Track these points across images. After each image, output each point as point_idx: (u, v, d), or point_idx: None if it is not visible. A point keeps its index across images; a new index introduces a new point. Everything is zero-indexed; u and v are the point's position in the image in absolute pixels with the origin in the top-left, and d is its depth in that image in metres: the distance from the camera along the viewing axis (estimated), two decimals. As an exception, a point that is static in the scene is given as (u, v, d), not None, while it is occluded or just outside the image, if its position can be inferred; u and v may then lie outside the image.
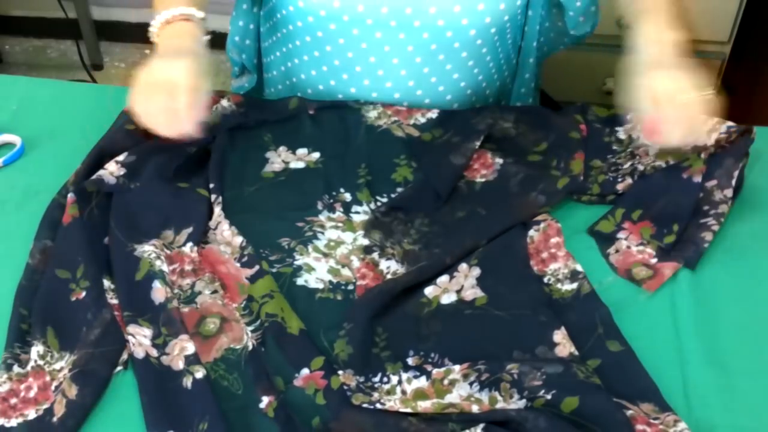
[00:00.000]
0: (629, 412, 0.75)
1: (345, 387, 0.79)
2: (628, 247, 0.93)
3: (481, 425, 0.73)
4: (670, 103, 0.89)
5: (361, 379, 0.80)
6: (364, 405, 0.77)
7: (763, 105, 1.85)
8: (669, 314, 0.86)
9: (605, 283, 0.90)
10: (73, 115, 1.16)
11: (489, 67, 1.15)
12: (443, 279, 0.90)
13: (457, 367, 0.80)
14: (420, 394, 0.78)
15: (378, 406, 0.76)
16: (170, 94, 0.88)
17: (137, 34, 2.63)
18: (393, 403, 0.77)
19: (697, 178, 0.95)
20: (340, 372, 0.80)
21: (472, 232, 0.94)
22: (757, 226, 0.96)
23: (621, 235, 0.94)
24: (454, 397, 0.77)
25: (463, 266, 0.91)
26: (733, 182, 0.95)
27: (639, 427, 0.74)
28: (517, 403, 0.76)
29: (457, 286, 0.90)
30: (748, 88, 1.97)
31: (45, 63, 2.66)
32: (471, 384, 0.78)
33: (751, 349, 0.83)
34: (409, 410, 0.76)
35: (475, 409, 0.75)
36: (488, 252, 0.92)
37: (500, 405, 0.76)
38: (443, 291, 0.89)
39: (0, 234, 0.98)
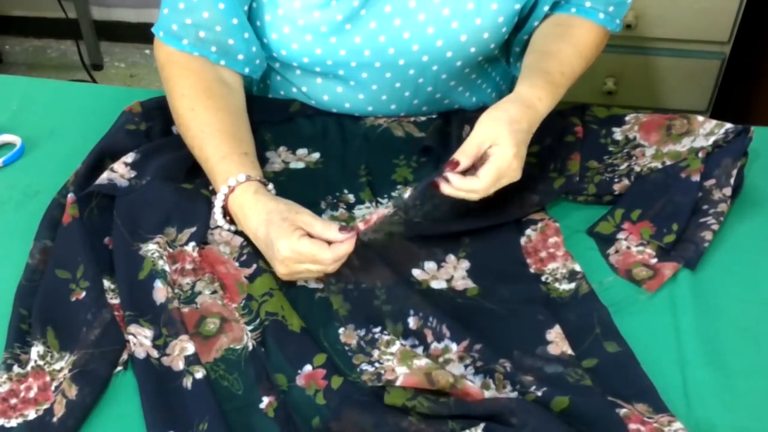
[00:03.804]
0: (623, 411, 0.75)
1: (346, 348, 0.81)
2: (628, 247, 0.93)
3: (482, 425, 0.73)
4: (489, 172, 0.85)
5: (362, 333, 0.82)
6: (363, 365, 0.79)
7: (763, 105, 1.85)
8: (669, 314, 0.86)
9: (605, 283, 0.90)
10: (73, 115, 1.16)
11: (483, 89, 1.15)
12: (430, 266, 0.91)
13: (454, 347, 0.81)
14: (415, 356, 0.79)
15: (377, 365, 0.78)
16: (314, 263, 0.83)
17: (137, 34, 2.64)
18: (391, 363, 0.78)
19: (696, 178, 0.95)
20: (341, 330, 0.82)
21: (461, 221, 0.94)
22: (756, 226, 0.96)
23: (621, 235, 0.94)
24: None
25: (451, 257, 0.92)
26: (732, 181, 0.95)
27: (632, 426, 0.74)
28: (509, 395, 0.77)
29: (447, 276, 0.90)
30: (748, 88, 1.97)
31: (45, 63, 2.66)
32: (466, 366, 0.80)
33: (751, 349, 0.83)
34: (404, 368, 0.77)
35: (469, 385, 0.76)
36: (478, 247, 0.93)
37: (491, 392, 0.77)
38: (431, 277, 0.90)
39: (0, 234, 0.98)
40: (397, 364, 0.78)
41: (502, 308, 0.86)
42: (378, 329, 0.83)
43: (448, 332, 0.82)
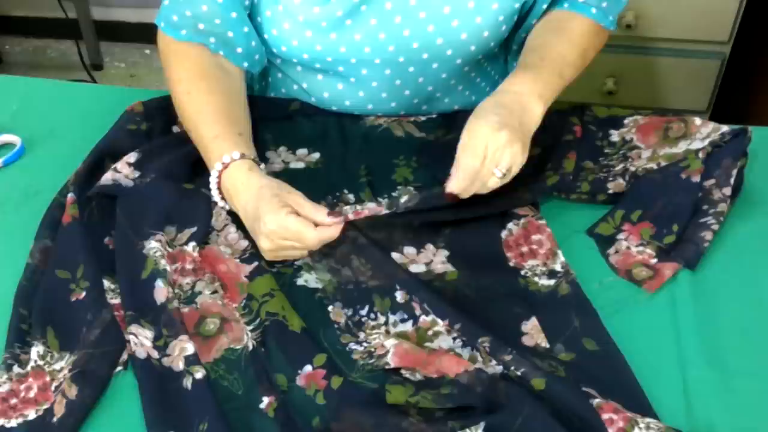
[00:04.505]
0: (596, 401, 0.74)
1: (335, 326, 0.83)
2: (628, 247, 0.93)
3: (482, 424, 0.73)
4: (486, 165, 0.87)
5: (349, 313, 0.84)
6: (351, 345, 0.82)
7: (763, 105, 1.86)
8: (669, 314, 0.86)
9: (605, 282, 0.90)
10: (73, 115, 1.16)
11: (482, 88, 1.15)
12: (409, 250, 0.92)
13: (440, 320, 0.83)
14: (403, 336, 0.82)
15: (365, 345, 0.81)
16: (298, 241, 0.85)
17: (137, 34, 2.65)
18: (378, 339, 0.81)
19: (696, 178, 0.95)
20: (330, 308, 0.85)
21: (446, 210, 0.94)
22: (756, 226, 0.96)
23: (621, 236, 0.94)
24: (434, 347, 0.81)
25: (430, 246, 0.93)
26: (731, 181, 0.95)
27: (606, 416, 0.73)
28: (495, 368, 0.78)
29: (426, 260, 0.92)
30: (748, 88, 1.97)
31: (45, 63, 2.67)
32: (454, 339, 0.82)
33: (751, 349, 0.83)
34: (392, 340, 0.80)
35: (452, 364, 0.77)
36: (458, 237, 0.94)
37: (479, 365, 0.78)
38: (410, 261, 0.91)
39: (0, 234, 0.98)
40: (383, 338, 0.81)
41: (479, 296, 0.88)
42: (365, 310, 0.85)
43: (430, 310, 0.84)
